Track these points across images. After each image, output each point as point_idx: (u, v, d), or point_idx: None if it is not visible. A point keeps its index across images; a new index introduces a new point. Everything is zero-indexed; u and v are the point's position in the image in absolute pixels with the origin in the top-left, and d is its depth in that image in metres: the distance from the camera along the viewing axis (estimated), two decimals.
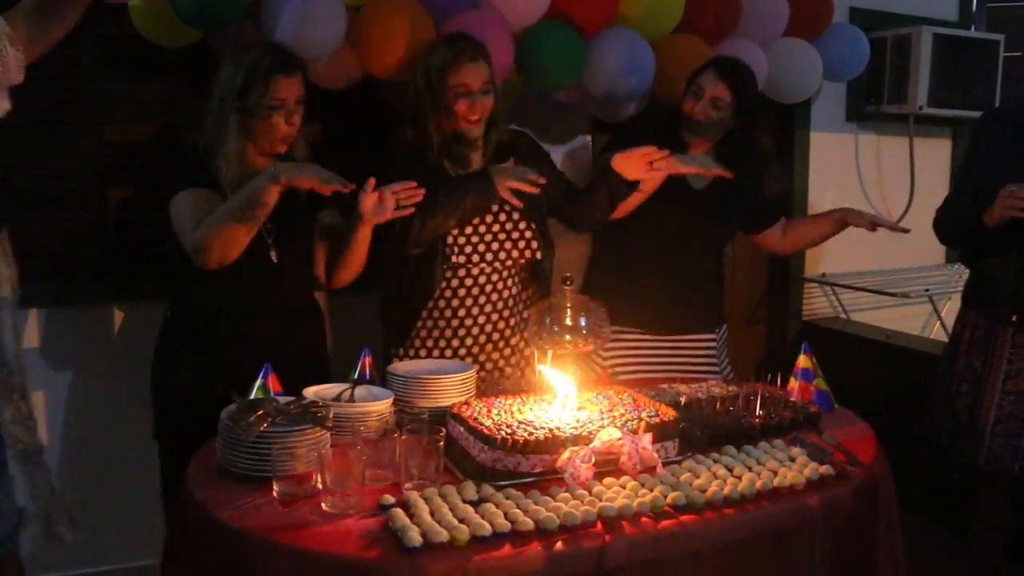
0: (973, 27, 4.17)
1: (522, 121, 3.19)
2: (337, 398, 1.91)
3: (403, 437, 1.69)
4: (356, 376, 2.07)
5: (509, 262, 2.40)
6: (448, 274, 2.37)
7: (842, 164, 4.00)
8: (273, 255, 2.23)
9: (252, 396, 1.87)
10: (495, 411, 1.87)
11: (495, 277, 2.40)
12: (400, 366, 2.14)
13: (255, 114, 2.17)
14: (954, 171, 4.24)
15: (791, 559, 1.67)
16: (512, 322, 2.45)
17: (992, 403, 2.41)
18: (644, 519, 1.56)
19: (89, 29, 2.66)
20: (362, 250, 2.28)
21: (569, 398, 1.92)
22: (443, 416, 1.90)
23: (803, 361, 2.22)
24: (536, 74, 2.70)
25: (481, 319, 2.40)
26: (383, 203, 2.15)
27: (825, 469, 1.74)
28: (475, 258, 2.36)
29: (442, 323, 2.40)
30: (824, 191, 3.93)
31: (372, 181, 2.13)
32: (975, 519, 2.59)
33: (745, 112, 2.63)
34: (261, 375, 1.93)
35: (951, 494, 3.00)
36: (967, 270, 4.06)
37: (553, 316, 2.12)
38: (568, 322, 2.11)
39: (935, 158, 4.18)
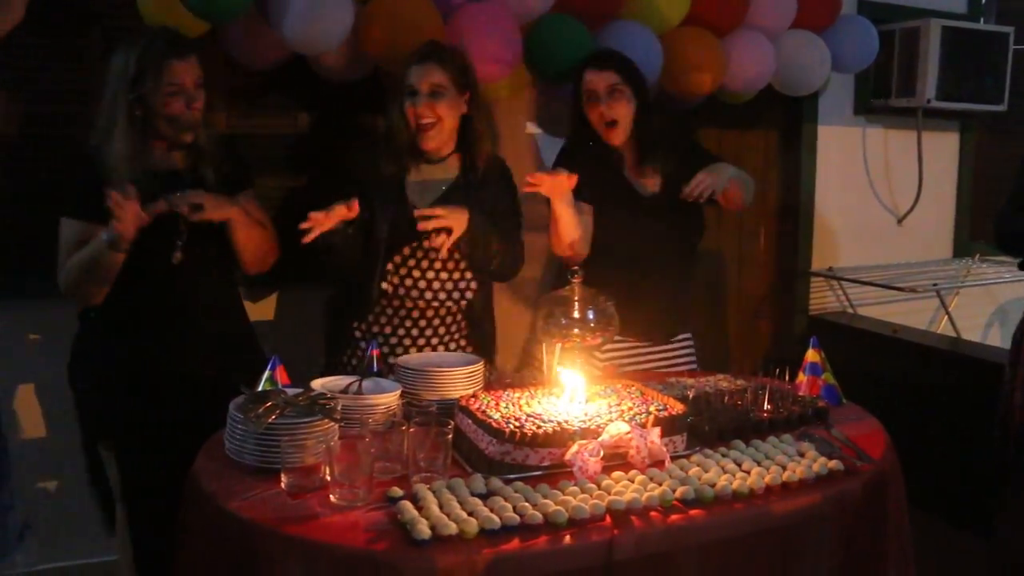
0: (982, 20, 4.15)
1: (527, 115, 3.20)
2: (345, 390, 1.91)
3: (411, 430, 1.69)
4: (364, 369, 2.07)
5: (450, 302, 2.35)
6: (384, 302, 2.35)
7: (849, 158, 3.98)
8: (177, 255, 2.16)
9: (260, 388, 1.87)
10: (503, 404, 1.87)
11: (428, 313, 2.36)
12: (408, 359, 2.14)
13: (153, 103, 2.09)
14: (962, 165, 4.23)
15: (800, 554, 1.66)
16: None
17: None
18: (653, 513, 1.55)
19: (96, 21, 2.69)
20: (243, 235, 2.21)
21: (577, 392, 1.92)
22: (451, 409, 1.90)
23: (811, 355, 2.21)
24: (544, 67, 2.69)
25: (413, 350, 2.36)
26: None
27: (834, 464, 1.73)
28: (400, 291, 2.32)
29: (385, 348, 2.36)
30: (831, 185, 3.92)
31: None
32: (1003, 520, 2.54)
33: (642, 95, 2.52)
34: (269, 367, 1.93)
35: (969, 493, 2.98)
36: (975, 264, 4.10)
37: (560, 309, 2.11)
38: (576, 315, 2.11)
39: (943, 152, 4.16)
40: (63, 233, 2.13)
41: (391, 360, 2.25)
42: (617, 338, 2.57)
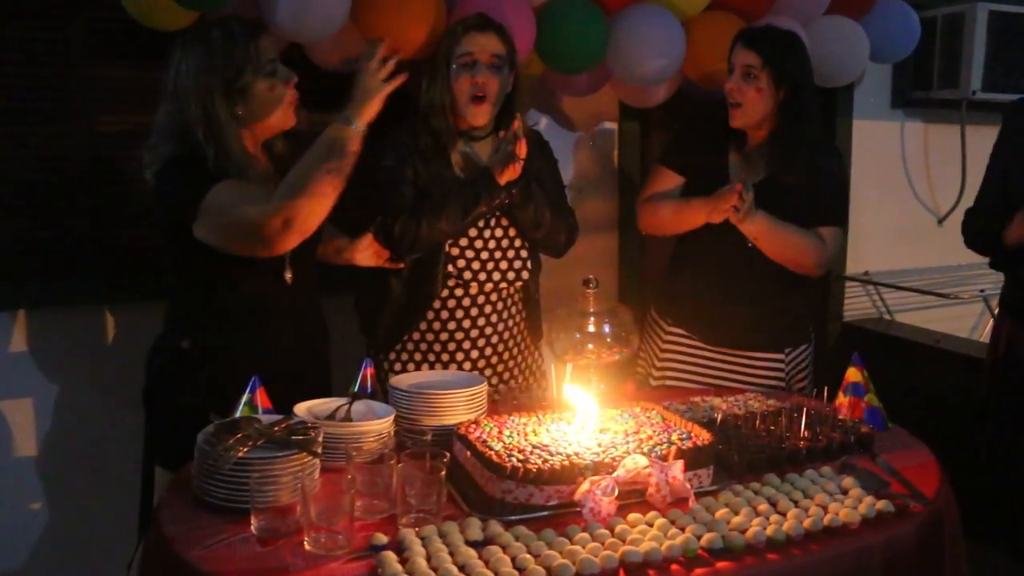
0: None
1: (542, 106, 3.01)
2: (332, 415, 1.72)
3: (400, 464, 1.50)
4: (356, 389, 1.88)
5: (504, 283, 2.28)
6: (450, 283, 2.25)
7: (887, 154, 3.76)
8: (288, 275, 2.00)
9: (237, 414, 1.68)
10: (507, 432, 1.68)
11: (492, 296, 2.29)
12: (403, 379, 1.94)
13: (273, 85, 1.95)
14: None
15: None
16: (506, 337, 2.32)
17: None
18: (674, 566, 1.35)
19: (78, 13, 2.54)
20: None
21: (590, 417, 1.72)
22: (450, 435, 1.70)
23: (852, 374, 1.99)
24: (557, 55, 2.50)
25: (474, 333, 2.27)
26: None
27: (883, 504, 1.52)
28: (467, 275, 2.24)
29: (443, 335, 2.27)
30: (867, 183, 3.69)
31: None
32: None
33: (789, 83, 2.32)
34: (248, 389, 1.73)
35: (1004, 512, 2.77)
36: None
37: (575, 323, 1.93)
38: (591, 329, 1.92)
39: (989, 148, 3.87)
40: (225, 194, 1.83)
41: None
42: (685, 340, 2.48)
